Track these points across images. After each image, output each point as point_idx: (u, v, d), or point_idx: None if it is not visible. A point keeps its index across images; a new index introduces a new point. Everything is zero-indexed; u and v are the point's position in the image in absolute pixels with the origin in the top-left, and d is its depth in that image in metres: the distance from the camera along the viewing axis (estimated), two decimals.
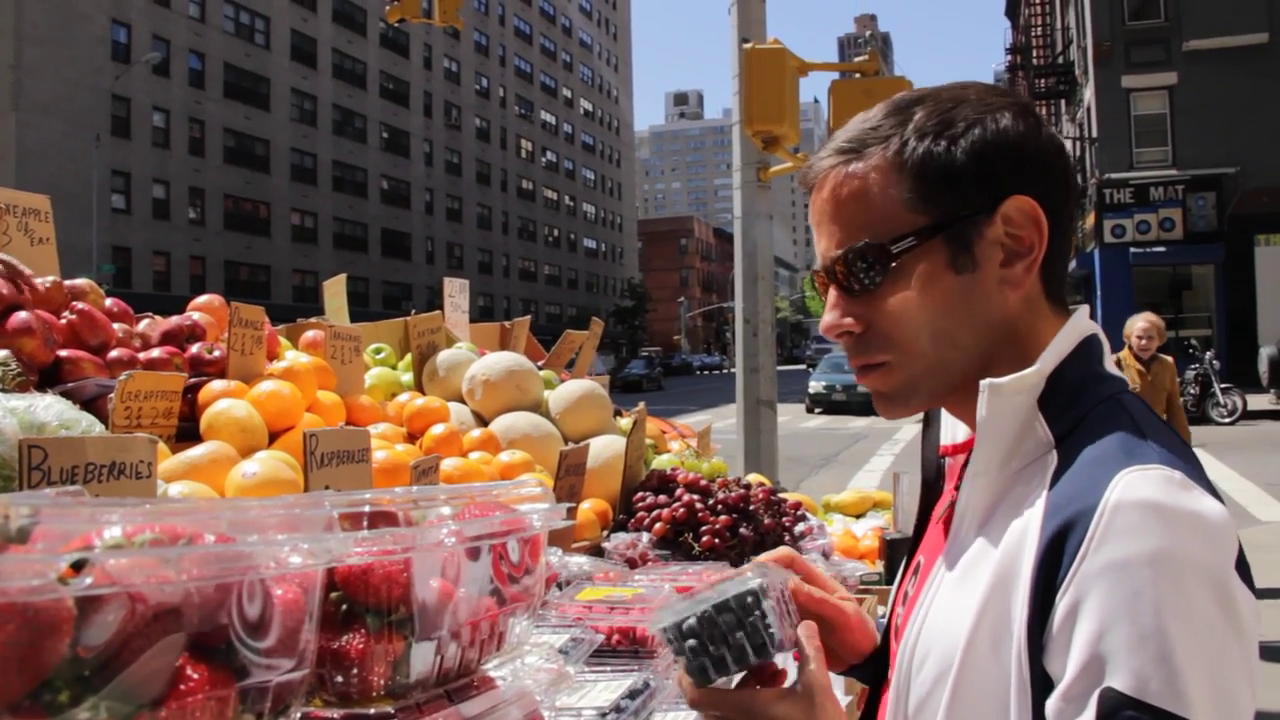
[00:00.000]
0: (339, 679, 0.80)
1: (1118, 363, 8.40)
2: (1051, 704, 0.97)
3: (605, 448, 3.46)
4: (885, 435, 23.77)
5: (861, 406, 30.17)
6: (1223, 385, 22.91)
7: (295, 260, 57.71)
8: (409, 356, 3.90)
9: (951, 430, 1.38)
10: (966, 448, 1.33)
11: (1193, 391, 22.59)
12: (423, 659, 0.83)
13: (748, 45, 7.43)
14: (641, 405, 3.76)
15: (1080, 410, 1.12)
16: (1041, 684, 0.99)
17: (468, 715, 0.86)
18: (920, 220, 1.15)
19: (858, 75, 8.07)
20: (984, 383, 1.11)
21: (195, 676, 0.59)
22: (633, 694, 1.34)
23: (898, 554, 3.11)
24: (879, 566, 3.23)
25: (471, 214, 75.32)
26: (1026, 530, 1.05)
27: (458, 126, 73.87)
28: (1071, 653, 0.96)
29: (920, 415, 1.41)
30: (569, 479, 3.11)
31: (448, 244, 72.51)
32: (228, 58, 53.67)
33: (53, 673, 0.52)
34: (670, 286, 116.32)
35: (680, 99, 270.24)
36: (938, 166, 1.14)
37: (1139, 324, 8.87)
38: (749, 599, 1.07)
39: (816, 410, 31.70)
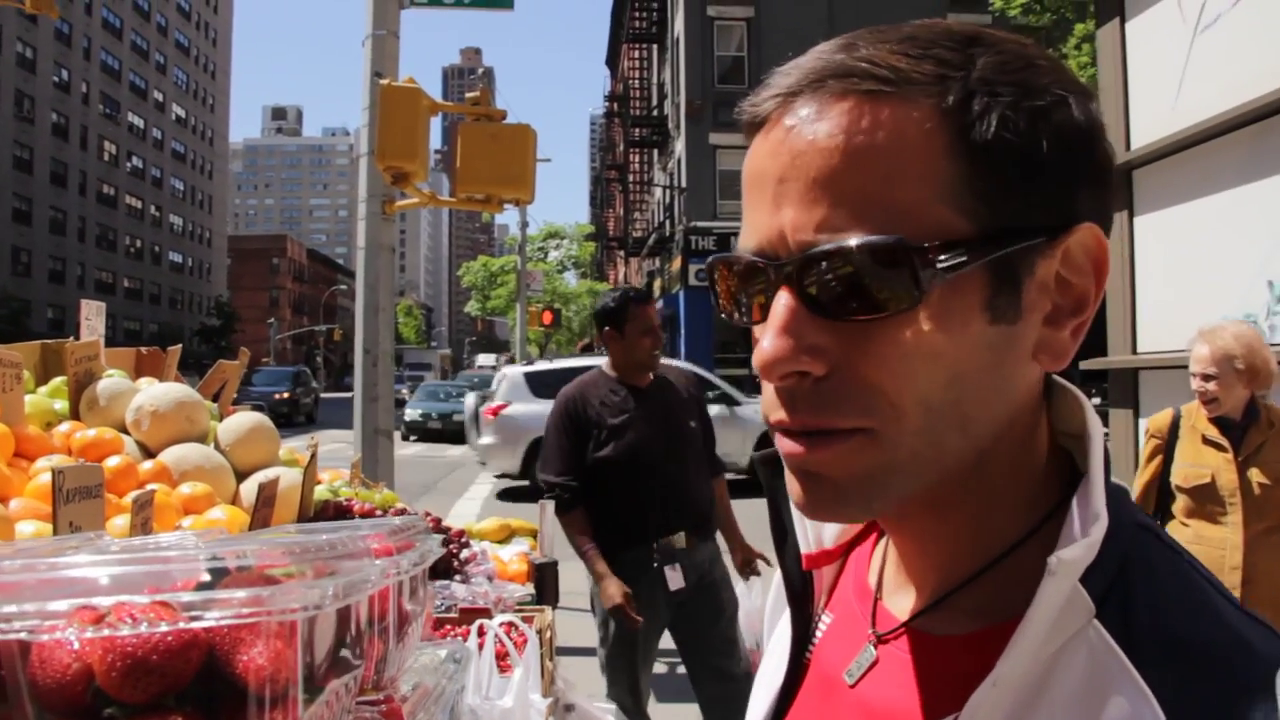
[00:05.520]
0: None
1: (1175, 422, 4.54)
2: None
3: (284, 480, 3.54)
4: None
5: (456, 435, 30.26)
6: None
7: None
8: (54, 382, 3.76)
9: (814, 533, 0.96)
10: (837, 555, 0.98)
11: None
12: (396, 658, 1.07)
13: (383, 81, 7.56)
14: (314, 437, 3.86)
15: (1113, 554, 0.72)
16: None
17: (422, 694, 1.10)
18: (963, 225, 0.70)
19: (475, 118, 8.30)
20: (1054, 559, 0.68)
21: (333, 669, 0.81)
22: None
23: (546, 576, 3.51)
24: (530, 587, 3.57)
25: (43, 217, 66.10)
26: None
27: (30, 119, 64.35)
28: None
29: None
30: (264, 510, 3.16)
31: (14, 249, 62.83)
32: None
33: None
34: (260, 306, 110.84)
35: (279, 113, 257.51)
36: (1017, 149, 0.70)
37: (1200, 350, 4.26)
38: None
39: (412, 438, 31.66)
